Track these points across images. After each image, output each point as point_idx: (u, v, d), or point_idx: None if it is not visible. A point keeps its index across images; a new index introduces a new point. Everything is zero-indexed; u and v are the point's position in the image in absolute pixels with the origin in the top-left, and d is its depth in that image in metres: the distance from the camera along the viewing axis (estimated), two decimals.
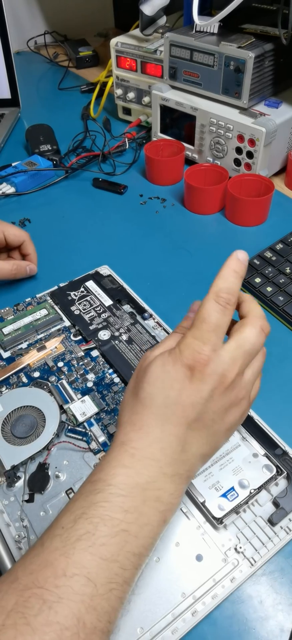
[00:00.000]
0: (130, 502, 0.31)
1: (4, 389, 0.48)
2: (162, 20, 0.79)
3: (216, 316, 0.33)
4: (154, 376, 0.34)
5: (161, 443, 0.33)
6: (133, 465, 0.32)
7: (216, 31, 0.71)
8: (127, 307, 0.56)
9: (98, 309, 0.55)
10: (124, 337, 0.52)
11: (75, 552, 0.29)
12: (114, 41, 0.87)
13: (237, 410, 0.35)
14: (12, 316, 0.55)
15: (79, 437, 0.44)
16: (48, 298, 0.58)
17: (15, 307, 0.57)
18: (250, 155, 0.70)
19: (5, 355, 0.51)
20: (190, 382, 0.33)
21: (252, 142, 0.69)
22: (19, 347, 0.52)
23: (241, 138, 0.70)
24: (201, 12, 0.72)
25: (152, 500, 0.32)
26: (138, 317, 0.55)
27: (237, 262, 0.34)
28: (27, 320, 0.54)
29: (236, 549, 0.37)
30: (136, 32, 0.86)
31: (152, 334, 0.52)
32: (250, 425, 0.44)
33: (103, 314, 0.55)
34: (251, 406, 0.45)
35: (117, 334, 0.52)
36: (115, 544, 0.30)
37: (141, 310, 0.55)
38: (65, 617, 0.27)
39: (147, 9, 0.75)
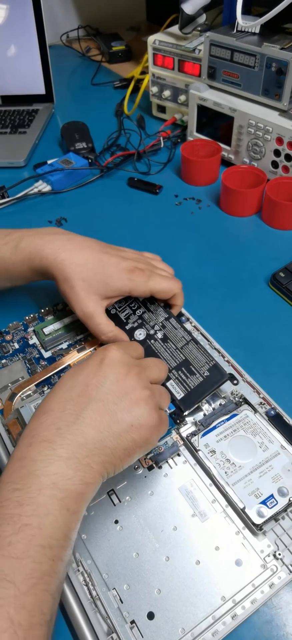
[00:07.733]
0: (25, 494, 0.30)
1: (46, 388, 0.49)
2: (202, 19, 0.78)
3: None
4: (69, 371, 0.38)
5: (59, 423, 0.33)
6: (28, 454, 0.32)
7: (257, 31, 0.71)
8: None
9: (133, 305, 0.56)
10: (159, 334, 0.52)
11: None
12: (151, 39, 0.86)
13: (141, 406, 0.36)
14: (52, 316, 0.57)
15: None
16: None
17: (54, 307, 0.58)
18: (288, 158, 0.69)
19: (46, 355, 0.52)
20: (98, 367, 0.37)
21: (291, 145, 0.68)
22: (60, 347, 0.53)
23: (279, 141, 0.69)
24: (242, 11, 0.71)
25: (48, 488, 0.31)
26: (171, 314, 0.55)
27: None
28: (66, 320, 0.55)
29: (275, 556, 0.37)
30: (174, 29, 0.85)
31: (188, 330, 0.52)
32: (290, 434, 0.44)
33: (138, 311, 0.55)
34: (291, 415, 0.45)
35: (152, 332, 0.53)
36: (21, 540, 0.29)
37: (178, 314, 0.56)
38: None
39: (188, 8, 0.74)
